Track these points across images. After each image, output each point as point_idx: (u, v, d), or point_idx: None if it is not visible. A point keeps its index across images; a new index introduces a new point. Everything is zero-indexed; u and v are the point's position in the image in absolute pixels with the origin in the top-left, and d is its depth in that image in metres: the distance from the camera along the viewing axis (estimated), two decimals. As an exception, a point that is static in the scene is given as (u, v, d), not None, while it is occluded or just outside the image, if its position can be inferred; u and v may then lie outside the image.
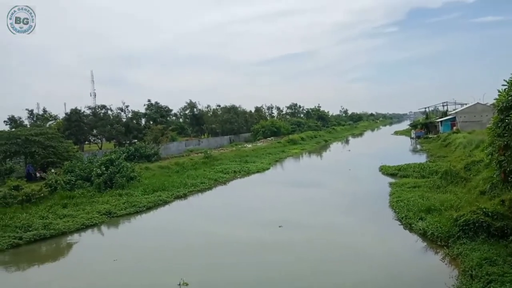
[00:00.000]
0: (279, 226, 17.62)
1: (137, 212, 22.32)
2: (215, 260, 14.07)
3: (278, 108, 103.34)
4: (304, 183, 29.91)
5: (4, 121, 50.01)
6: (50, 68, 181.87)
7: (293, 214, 19.32)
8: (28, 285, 13.45)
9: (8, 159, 30.65)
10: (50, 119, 54.56)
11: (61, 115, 55.12)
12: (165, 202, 24.63)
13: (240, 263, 13.71)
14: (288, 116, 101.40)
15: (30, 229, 17.98)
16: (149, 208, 23.13)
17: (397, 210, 18.45)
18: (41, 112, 55.00)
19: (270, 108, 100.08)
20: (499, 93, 11.06)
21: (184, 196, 26.75)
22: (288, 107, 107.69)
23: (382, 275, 11.82)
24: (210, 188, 29.76)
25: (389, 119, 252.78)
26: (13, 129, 39.59)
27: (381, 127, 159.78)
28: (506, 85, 10.88)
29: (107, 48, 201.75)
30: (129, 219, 21.48)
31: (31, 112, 53.06)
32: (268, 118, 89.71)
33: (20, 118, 51.27)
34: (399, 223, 16.96)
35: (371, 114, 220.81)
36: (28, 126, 46.35)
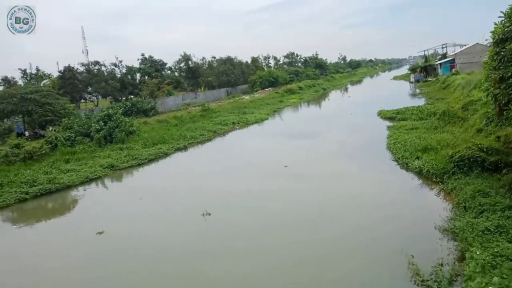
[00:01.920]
0: (285, 166, 18.80)
1: (139, 165, 22.68)
2: (223, 203, 14.51)
3: (275, 58, 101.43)
4: (303, 132, 30.05)
5: (-3, 82, 49.35)
6: (40, 27, 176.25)
7: (294, 163, 19.48)
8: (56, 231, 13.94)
9: (5, 119, 30.64)
10: (44, 77, 53.72)
11: (55, 74, 54.33)
12: (166, 154, 24.97)
13: (244, 207, 14.12)
14: (285, 66, 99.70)
15: (35, 184, 18.33)
16: (150, 160, 23.48)
17: (394, 151, 18.74)
18: (34, 72, 54.09)
19: (266, 58, 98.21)
20: (495, 25, 10.85)
21: (185, 148, 27.07)
22: (285, 57, 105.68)
23: (379, 215, 12.19)
24: (209, 140, 30.03)
25: (388, 64, 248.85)
26: (7, 89, 39.14)
27: (380, 73, 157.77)
28: (502, 17, 10.66)
29: (97, 4, 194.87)
30: (132, 171, 21.87)
31: (24, 71, 52.08)
32: (265, 68, 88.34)
33: (13, 78, 50.54)
34: (396, 163, 17.30)
35: (370, 60, 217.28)
36: (22, 85, 45.77)
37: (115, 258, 10.99)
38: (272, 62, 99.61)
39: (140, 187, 18.63)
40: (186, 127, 33.43)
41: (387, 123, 27.77)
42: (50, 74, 55.20)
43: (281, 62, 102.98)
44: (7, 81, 49.58)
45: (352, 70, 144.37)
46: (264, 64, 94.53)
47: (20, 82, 49.96)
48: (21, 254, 12.08)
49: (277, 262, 9.83)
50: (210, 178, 18.73)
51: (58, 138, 24.99)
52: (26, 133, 29.87)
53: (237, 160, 22.06)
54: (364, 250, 10.01)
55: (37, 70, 53.30)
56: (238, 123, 36.37)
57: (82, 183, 19.40)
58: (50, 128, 27.85)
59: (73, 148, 24.65)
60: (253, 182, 17.07)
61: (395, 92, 55.70)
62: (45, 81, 52.49)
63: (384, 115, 31.03)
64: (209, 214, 13.22)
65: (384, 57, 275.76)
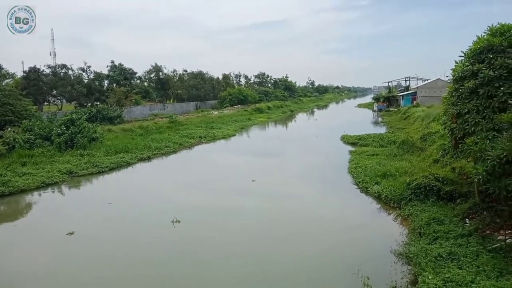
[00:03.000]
0: (252, 181, 19.29)
1: (100, 173, 22.09)
2: (185, 216, 14.25)
3: (246, 77, 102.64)
4: (269, 150, 30.39)
5: (-43, 78, 46.85)
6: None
7: (257, 182, 19.50)
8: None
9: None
10: (7, 77, 51.52)
11: (19, 74, 52.29)
12: (128, 164, 24.46)
13: (206, 222, 14.01)
14: (255, 85, 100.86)
15: (-13, 185, 17.44)
16: (111, 169, 22.93)
17: (355, 175, 19.28)
18: (-4, 70, 51.81)
19: (238, 76, 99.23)
20: (456, 64, 11.62)
21: (148, 158, 26.66)
22: (256, 76, 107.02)
23: (339, 237, 12.47)
24: (174, 152, 29.74)
25: (354, 92, 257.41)
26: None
27: (345, 100, 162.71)
28: (462, 56, 11.44)
29: (70, 6, 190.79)
30: (91, 179, 21.23)
31: (-14, 69, 49.86)
32: (236, 86, 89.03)
33: (-27, 75, 48.16)
34: (356, 187, 17.80)
35: (337, 87, 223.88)
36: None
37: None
38: (243, 80, 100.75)
39: (99, 194, 18.21)
40: (152, 137, 32.98)
41: (350, 147, 28.57)
42: (14, 73, 53.14)
43: (251, 81, 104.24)
44: (-35, 77, 47.19)
45: (319, 95, 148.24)
46: (235, 81, 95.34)
47: (-20, 79, 47.68)
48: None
49: (231, 276, 9.81)
50: (173, 190, 18.54)
51: (17, 140, 23.95)
52: None
53: (202, 174, 21.95)
54: (321, 270, 10.18)
55: (0, 68, 51.12)
56: (205, 137, 36.28)
57: (38, 188, 18.64)
58: (9, 129, 26.57)
59: (32, 151, 23.66)
60: (216, 197, 17.02)
61: (359, 119, 57.56)
62: (8, 80, 50.31)
63: (347, 140, 31.92)
64: (179, 222, 13.40)
65: (350, 85, 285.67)
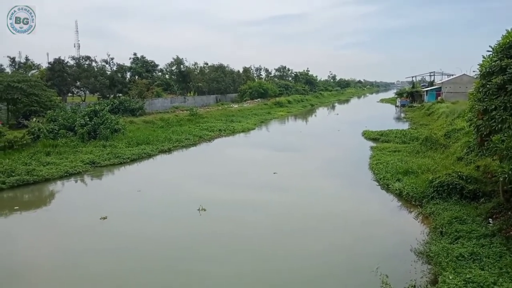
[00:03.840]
0: (274, 173, 19.59)
1: (121, 163, 22.47)
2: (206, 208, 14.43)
3: (266, 70, 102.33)
4: (288, 145, 30.25)
5: (-15, 68, 48.39)
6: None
7: (277, 175, 19.53)
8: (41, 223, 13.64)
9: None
10: (33, 68, 52.75)
11: (44, 65, 53.49)
12: (149, 155, 24.78)
13: (224, 216, 14.06)
14: (276, 79, 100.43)
15: (13, 174, 17.96)
16: (133, 160, 23.28)
17: (376, 171, 19.00)
18: (23, 61, 53.17)
19: (258, 69, 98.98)
20: (483, 59, 11.23)
21: (169, 150, 26.94)
22: (276, 70, 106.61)
23: (358, 233, 12.32)
24: (194, 145, 29.95)
25: (376, 87, 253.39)
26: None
27: (367, 94, 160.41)
28: (491, 51, 11.04)
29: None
30: (113, 169, 21.61)
31: (13, 59, 51.05)
32: (256, 79, 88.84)
33: (1, 65, 49.63)
34: (377, 183, 17.54)
35: (359, 81, 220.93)
36: (10, 73, 44.93)
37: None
38: (263, 74, 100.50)
39: (122, 185, 18.60)
40: (172, 130, 33.29)
41: (371, 143, 28.17)
42: (40, 64, 54.32)
43: (272, 74, 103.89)
44: (-6, 67, 48.64)
45: (341, 89, 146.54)
46: (255, 75, 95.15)
47: (8, 70, 49.04)
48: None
49: (252, 272, 9.83)
50: (193, 182, 18.70)
51: (41, 130, 24.57)
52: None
53: (220, 167, 22.05)
54: (340, 267, 10.10)
55: (26, 59, 52.38)
56: (225, 131, 36.40)
57: (61, 177, 19.10)
58: (34, 119, 27.28)
59: (56, 141, 24.25)
60: (235, 191, 17.08)
61: (381, 114, 56.67)
62: (33, 71, 51.57)
63: (368, 135, 31.48)
64: (204, 210, 13.99)
65: (373, 80, 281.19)
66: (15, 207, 15.33)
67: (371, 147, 25.92)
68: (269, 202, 15.41)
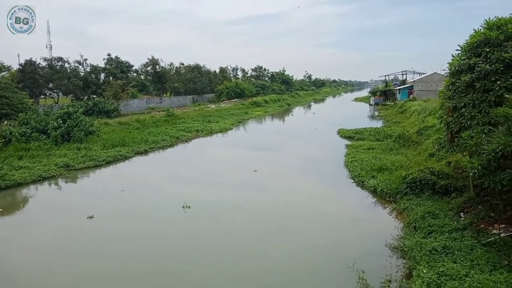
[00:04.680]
0: (254, 171, 19.80)
1: (96, 166, 22.09)
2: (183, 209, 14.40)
3: (243, 70, 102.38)
4: (265, 144, 30.39)
5: (-50, 70, 46.48)
6: (1, 17, 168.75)
7: (256, 175, 19.66)
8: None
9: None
10: (3, 69, 51.07)
11: (15, 67, 51.87)
12: (125, 157, 24.45)
13: (202, 217, 14.06)
14: (253, 79, 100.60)
15: (-17, 179, 17.39)
16: (108, 163, 22.93)
17: (351, 169, 19.35)
18: (-9, 62, 51.41)
19: (235, 69, 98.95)
20: (453, 58, 11.62)
21: (145, 152, 26.64)
22: (253, 70, 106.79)
23: (334, 230, 12.57)
24: (171, 146, 29.72)
25: (351, 86, 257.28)
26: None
27: (342, 93, 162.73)
28: (459, 50, 11.44)
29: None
30: (88, 172, 21.21)
31: (-19, 61, 49.43)
32: (233, 79, 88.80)
33: (-32, 67, 47.77)
34: (352, 181, 17.87)
35: (334, 81, 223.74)
36: (-23, 75, 43.33)
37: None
38: (240, 74, 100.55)
39: (101, 186, 18.51)
40: (149, 131, 32.91)
41: (346, 141, 28.63)
42: (10, 66, 52.63)
43: (248, 74, 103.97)
44: (-40, 69, 46.80)
45: (316, 89, 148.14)
46: (232, 75, 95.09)
47: (-25, 72, 47.30)
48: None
49: (230, 271, 9.88)
50: (171, 183, 18.57)
51: (13, 133, 23.85)
52: None
53: (199, 168, 21.99)
54: (316, 263, 10.26)
55: (-5, 60, 50.69)
56: (202, 131, 36.28)
57: (35, 182, 18.63)
58: (5, 122, 26.43)
59: (28, 145, 23.59)
60: (214, 191, 17.06)
61: (355, 112, 57.61)
62: (3, 73, 49.84)
63: (344, 133, 31.96)
64: (189, 207, 14.28)
65: (347, 79, 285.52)
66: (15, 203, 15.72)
67: (346, 145, 26.34)
68: (248, 202, 15.51)
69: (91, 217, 13.61)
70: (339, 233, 12.32)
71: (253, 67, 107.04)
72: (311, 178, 19.31)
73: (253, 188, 17.42)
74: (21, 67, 48.68)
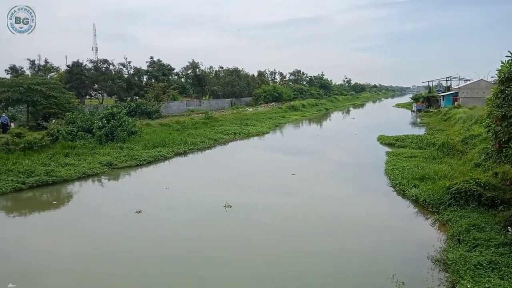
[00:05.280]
0: (293, 174, 19.92)
1: (138, 165, 22.77)
2: (219, 213, 14.61)
3: (281, 74, 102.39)
4: (302, 148, 30.22)
5: (5, 70, 49.75)
6: (52, 21, 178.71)
7: (292, 179, 19.53)
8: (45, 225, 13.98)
9: (10, 107, 30.71)
10: (52, 70, 53.98)
11: (63, 68, 54.61)
12: (165, 158, 25.06)
13: (236, 219, 14.18)
14: (290, 83, 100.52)
15: (32, 174, 18.35)
16: (149, 162, 23.59)
17: (391, 177, 18.83)
18: (42, 63, 54.43)
19: (273, 73, 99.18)
20: (502, 64, 11.10)
21: (184, 153, 27.18)
22: (291, 74, 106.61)
23: (373, 239, 12.25)
24: (209, 148, 30.15)
25: (392, 91, 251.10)
26: (15, 78, 39.29)
27: (383, 99, 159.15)
28: (510, 56, 10.90)
29: (112, 2, 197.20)
30: (130, 171, 21.92)
31: (32, 62, 52.34)
32: (271, 83, 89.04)
33: (21, 67, 50.84)
34: (393, 189, 17.40)
35: (374, 86, 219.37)
36: (30, 76, 45.96)
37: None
38: (278, 77, 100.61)
39: (141, 185, 19.28)
40: (188, 133, 33.58)
41: (386, 148, 27.95)
42: (58, 67, 55.52)
43: (286, 78, 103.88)
44: (14, 70, 49.89)
45: (356, 94, 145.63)
46: (270, 78, 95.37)
47: (28, 73, 50.22)
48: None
49: (265, 275, 9.88)
50: (210, 185, 18.85)
51: (60, 131, 25.04)
52: (12, 125, 29.01)
53: (235, 170, 22.20)
54: (354, 274, 10.03)
55: (46, 62, 53.65)
56: (239, 134, 36.58)
57: (79, 178, 19.45)
58: (53, 120, 27.83)
59: (74, 143, 24.70)
60: (249, 194, 17.15)
61: (397, 119, 56.15)
62: (52, 73, 52.74)
63: (384, 140, 31.21)
64: (230, 206, 14.62)
65: (388, 84, 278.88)
66: (53, 202, 16.55)
67: (387, 152, 25.70)
68: (284, 205, 15.46)
69: (139, 212, 14.26)
70: (378, 241, 12.00)
71: (291, 71, 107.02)
72: (349, 184, 18.99)
73: (289, 192, 17.33)
74: (68, 68, 51.15)
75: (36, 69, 52.21)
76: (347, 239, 12.21)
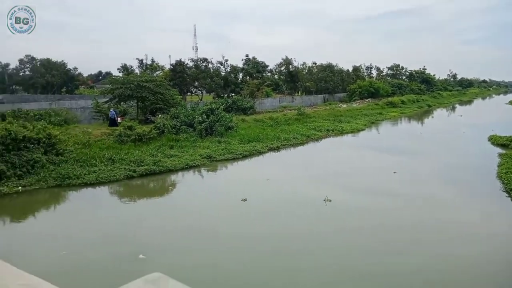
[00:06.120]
0: (394, 172, 19.44)
1: (234, 159, 23.68)
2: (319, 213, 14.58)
3: (377, 69, 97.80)
4: (401, 147, 28.65)
5: (118, 69, 55.44)
6: (158, 23, 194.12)
7: (387, 181, 18.60)
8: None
9: (122, 102, 33.92)
10: (158, 69, 58.62)
11: (167, 67, 59.00)
12: (260, 152, 25.65)
13: (332, 218, 13.96)
14: (388, 78, 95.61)
15: (142, 164, 20.15)
16: (244, 156, 24.36)
17: (506, 181, 16.93)
18: (149, 62, 59.39)
19: (369, 68, 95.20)
20: None
21: (277, 148, 27.54)
22: (389, 68, 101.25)
23: (483, 248, 11.13)
24: (302, 144, 30.09)
25: (504, 87, 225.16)
26: (126, 76, 43.38)
27: (493, 95, 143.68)
28: None
29: (211, 3, 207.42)
30: (227, 164, 22.89)
31: (141, 61, 57.58)
32: (366, 78, 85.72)
33: (131, 66, 56.15)
34: (507, 195, 15.61)
35: (483, 81, 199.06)
36: (138, 74, 50.45)
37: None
38: (374, 72, 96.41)
39: (242, 176, 20.39)
40: (281, 128, 33.91)
41: (499, 150, 25.20)
42: (163, 66, 60.09)
43: (384, 73, 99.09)
44: (125, 68, 55.23)
45: (462, 89, 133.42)
46: (365, 74, 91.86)
47: (137, 71, 55.24)
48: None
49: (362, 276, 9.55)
50: (306, 180, 18.88)
51: (166, 125, 27.08)
52: (119, 119, 31.34)
53: (329, 168, 21.86)
54: (464, 283, 9.22)
55: (152, 61, 58.41)
56: (333, 131, 35.89)
57: (183, 169, 20.85)
58: (160, 115, 30.14)
59: (177, 136, 26.57)
60: (347, 191, 16.71)
61: (511, 118, 50.22)
62: (158, 72, 57.26)
63: (496, 140, 28.18)
64: (330, 201, 14.73)
65: (500, 79, 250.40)
66: (169, 187, 18.60)
67: (500, 154, 23.20)
68: (385, 206, 14.77)
69: (244, 200, 15.12)
70: (490, 252, 10.86)
71: (389, 66, 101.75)
72: (456, 187, 17.47)
73: (390, 193, 16.53)
74: (172, 67, 54.98)
75: (144, 68, 57.21)
76: (454, 246, 11.24)
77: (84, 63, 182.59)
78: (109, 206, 15.69)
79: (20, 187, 16.72)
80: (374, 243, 11.37)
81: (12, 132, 18.04)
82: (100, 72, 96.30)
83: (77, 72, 76.08)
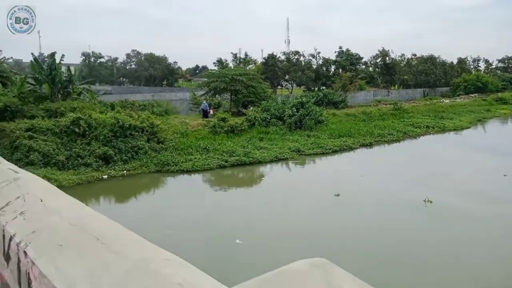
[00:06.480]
0: (504, 175, 17.57)
1: (323, 154, 23.28)
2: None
3: (486, 61, 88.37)
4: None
5: (213, 63, 57.91)
6: (250, 18, 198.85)
7: (496, 184, 16.64)
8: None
9: (217, 95, 35.31)
10: (250, 62, 59.94)
11: (259, 60, 60.02)
12: (350, 148, 24.84)
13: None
14: (498, 71, 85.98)
15: (234, 154, 20.80)
16: (334, 151, 23.80)
17: None
18: (243, 56, 60.96)
19: (476, 60, 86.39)
20: None
21: (370, 144, 26.41)
22: (499, 61, 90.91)
23: None
24: (398, 141, 28.44)
25: None
26: (221, 69, 45.04)
27: None
28: None
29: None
30: (315, 158, 22.55)
31: (235, 55, 59.35)
32: (473, 71, 78.04)
33: (226, 60, 58.12)
34: None
35: None
36: (232, 67, 52.08)
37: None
38: (482, 65, 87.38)
39: (332, 172, 20.07)
40: (374, 124, 32.43)
41: None
42: (256, 59, 61.27)
43: (493, 66, 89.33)
44: (220, 62, 57.37)
45: None
46: (472, 66, 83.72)
47: (231, 65, 57.07)
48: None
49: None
50: (402, 178, 17.84)
51: (256, 118, 27.58)
52: (211, 112, 32.02)
53: (429, 166, 20.27)
54: None
55: (245, 55, 59.89)
56: (433, 128, 33.29)
57: (271, 161, 21.06)
58: (251, 108, 30.77)
59: (267, 129, 26.91)
60: (449, 194, 15.19)
61: None
62: (250, 65, 58.55)
63: None
64: (431, 202, 13.89)
65: None
66: (259, 178, 19.49)
67: None
68: (496, 214, 13.21)
69: (337, 195, 14.90)
70: None
71: (499, 58, 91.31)
72: None
73: (496, 197, 14.78)
74: (264, 60, 55.73)
75: (237, 62, 58.90)
76: None
77: (182, 57, 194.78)
78: (203, 193, 16.52)
79: (125, 171, 18.36)
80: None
81: (120, 120, 19.84)
82: (197, 66, 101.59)
83: (176, 66, 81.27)
